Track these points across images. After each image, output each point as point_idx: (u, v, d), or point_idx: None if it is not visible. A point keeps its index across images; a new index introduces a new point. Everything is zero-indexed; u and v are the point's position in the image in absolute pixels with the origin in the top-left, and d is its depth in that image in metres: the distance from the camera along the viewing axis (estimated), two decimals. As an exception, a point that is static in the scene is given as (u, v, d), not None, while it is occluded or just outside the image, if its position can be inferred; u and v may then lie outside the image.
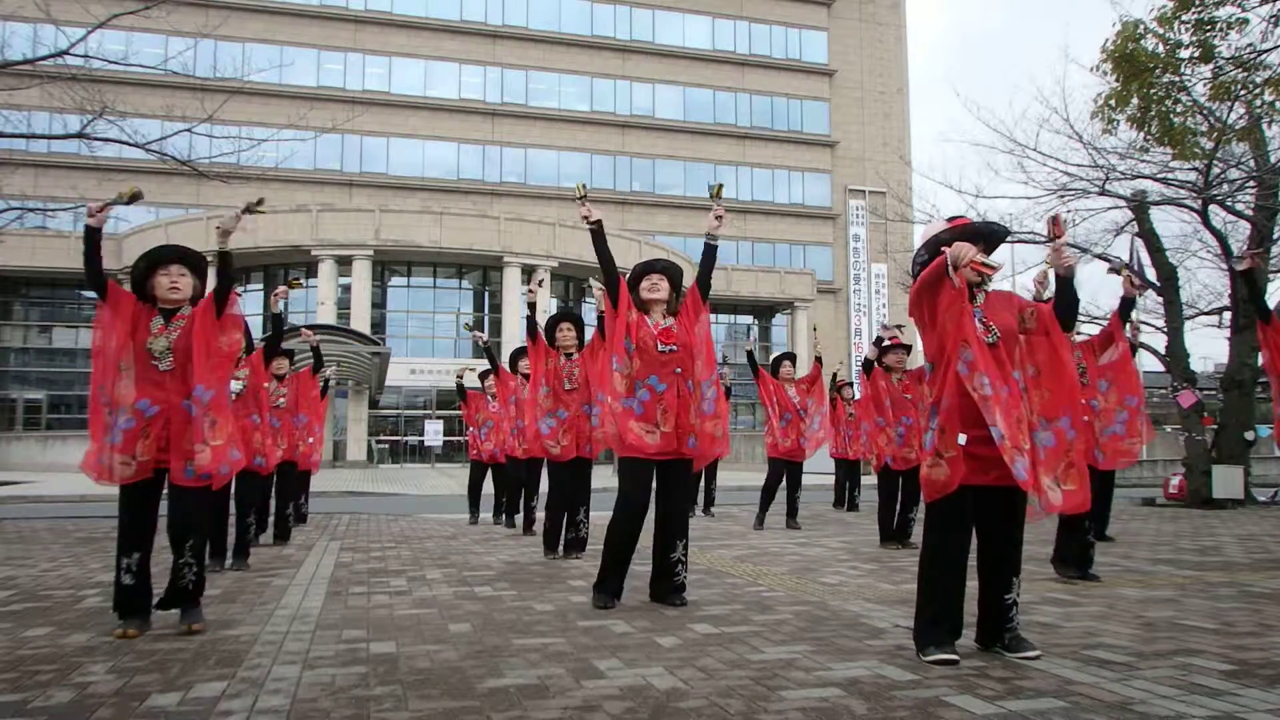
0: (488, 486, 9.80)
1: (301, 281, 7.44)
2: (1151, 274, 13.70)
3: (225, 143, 10.83)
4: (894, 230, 23.08)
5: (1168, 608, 4.42)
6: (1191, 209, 13.48)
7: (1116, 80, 11.47)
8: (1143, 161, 12.63)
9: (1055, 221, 3.56)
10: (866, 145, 47.82)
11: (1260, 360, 10.48)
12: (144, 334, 3.92)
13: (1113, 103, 11.69)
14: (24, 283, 36.24)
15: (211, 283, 4.09)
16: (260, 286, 34.84)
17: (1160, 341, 14.00)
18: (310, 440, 8.46)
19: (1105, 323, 5.96)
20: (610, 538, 4.55)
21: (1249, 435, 13.14)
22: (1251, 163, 12.42)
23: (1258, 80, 10.56)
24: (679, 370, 4.53)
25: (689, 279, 4.77)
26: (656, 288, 4.64)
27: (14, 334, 37.64)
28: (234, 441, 4.04)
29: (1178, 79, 11.37)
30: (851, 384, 12.51)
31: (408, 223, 33.26)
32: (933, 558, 3.41)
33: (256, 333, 6.51)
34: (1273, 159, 12.26)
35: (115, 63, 10.10)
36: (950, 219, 3.72)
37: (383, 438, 34.92)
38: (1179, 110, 11.73)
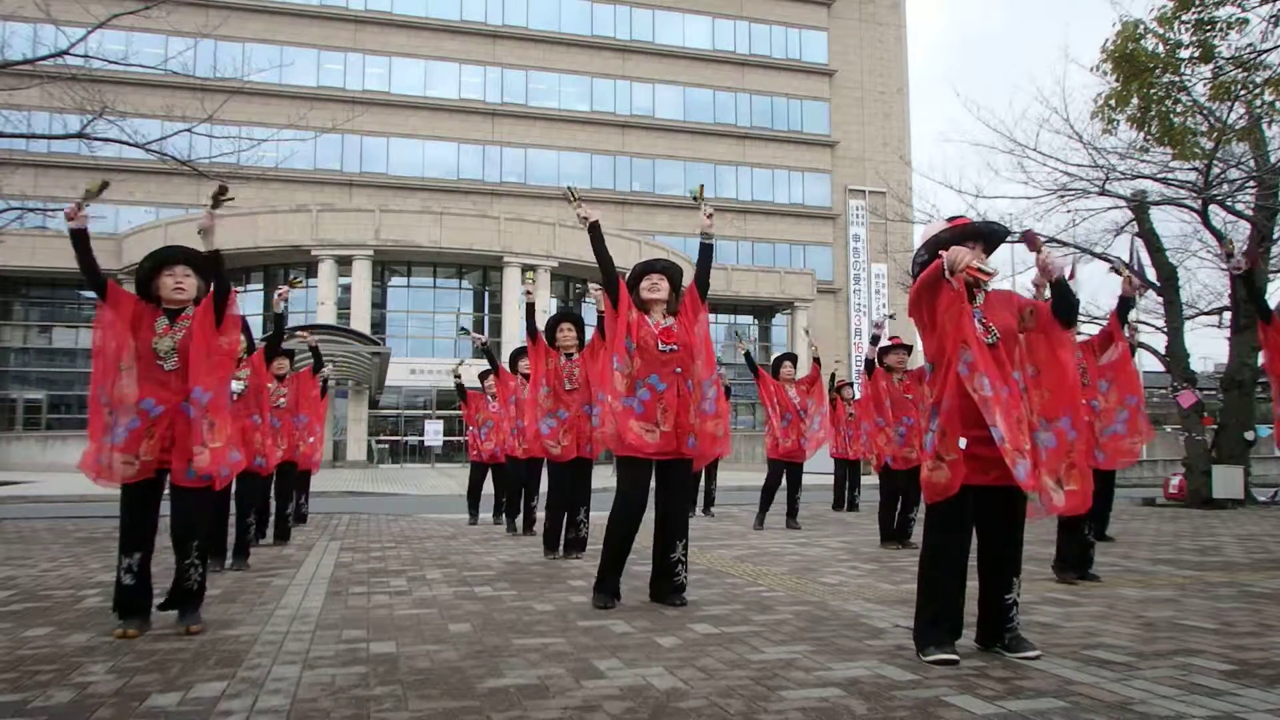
0: (487, 487, 9.80)
1: (303, 281, 7.46)
2: (1151, 274, 13.70)
3: (225, 143, 10.82)
4: (894, 230, 23.09)
5: (1168, 608, 4.42)
6: (1191, 209, 13.48)
7: (1116, 80, 11.47)
8: (1143, 161, 12.64)
9: (1030, 240, 3.59)
10: (866, 145, 47.81)
11: (1260, 360, 10.51)
12: (149, 334, 3.92)
13: (1113, 103, 11.70)
14: (24, 283, 36.22)
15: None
16: (260, 286, 34.84)
17: (1160, 341, 14.02)
18: (311, 440, 8.47)
19: (1105, 323, 5.96)
20: (608, 537, 4.55)
21: (1249, 435, 13.14)
22: (1251, 163, 12.42)
23: (1258, 80, 10.56)
24: (679, 370, 4.53)
25: (688, 279, 4.78)
26: (656, 287, 4.64)
27: (14, 334, 37.63)
28: (233, 443, 4.04)
29: (1178, 79, 11.38)
30: (851, 384, 12.51)
31: (408, 223, 33.26)
32: (933, 558, 3.41)
33: (257, 332, 6.52)
34: (1273, 159, 12.26)
35: (115, 63, 10.09)
36: (950, 219, 3.72)
37: (383, 438, 34.91)
38: (1179, 110, 11.73)
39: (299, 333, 8.38)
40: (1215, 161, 12.41)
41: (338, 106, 35.62)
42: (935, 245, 3.49)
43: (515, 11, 42.82)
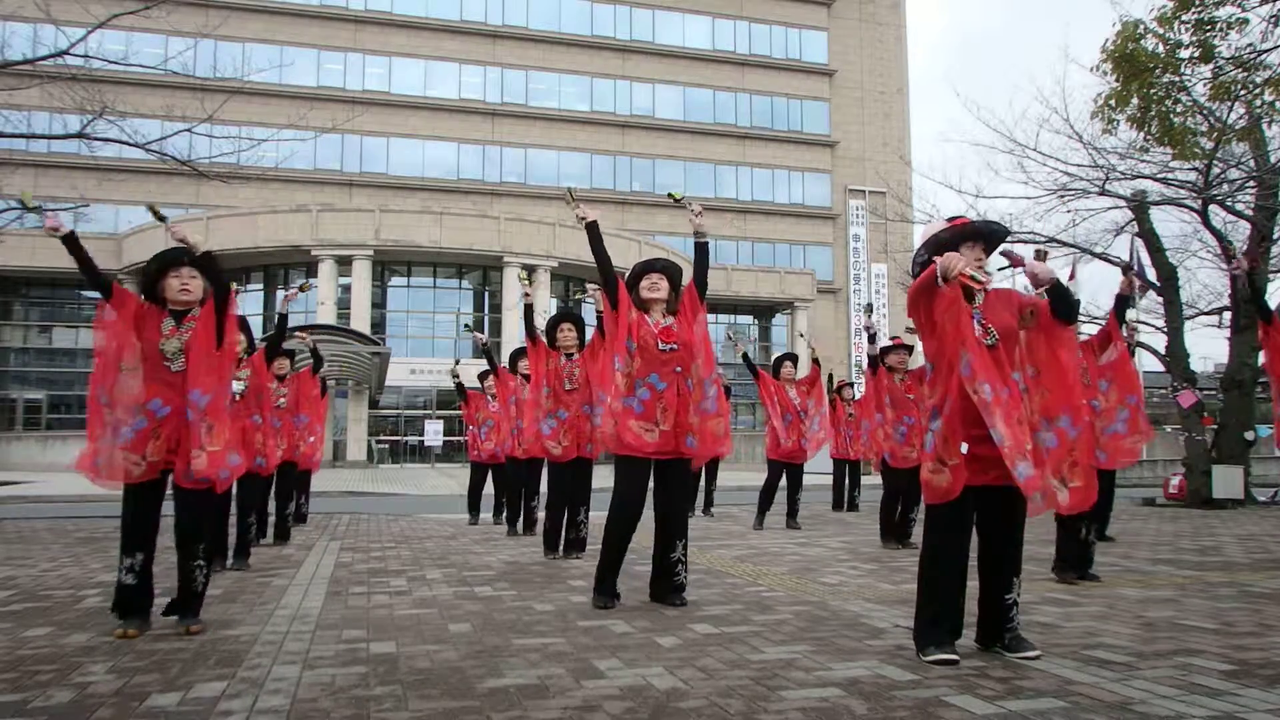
0: (488, 487, 9.80)
1: (312, 285, 7.51)
2: (1151, 274, 13.70)
3: (225, 143, 10.83)
4: (894, 230, 23.07)
5: (1168, 608, 4.42)
6: (1191, 209, 13.49)
7: (1116, 80, 11.48)
8: (1143, 161, 12.65)
9: (1010, 258, 3.64)
10: (866, 145, 47.80)
11: (1260, 360, 10.51)
12: (155, 335, 3.93)
13: (1113, 103, 11.70)
14: (24, 283, 36.22)
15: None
16: (260, 286, 34.87)
17: (1160, 341, 14.02)
18: (311, 440, 8.47)
19: (1105, 323, 5.96)
20: (606, 537, 4.55)
21: (1249, 435, 13.15)
22: (1251, 163, 12.43)
23: (1258, 80, 10.56)
24: (679, 369, 4.53)
25: (687, 278, 4.77)
26: (656, 287, 4.64)
27: (14, 334, 37.63)
28: (232, 446, 4.04)
29: (1178, 79, 11.38)
30: (851, 384, 12.51)
31: (408, 223, 33.26)
32: (933, 558, 3.41)
33: (258, 333, 6.52)
34: (1273, 159, 12.26)
35: (115, 63, 10.09)
36: (950, 219, 3.72)
37: (383, 438, 34.91)
38: (1179, 110, 11.74)
39: (299, 333, 8.38)
40: (1215, 161, 12.42)
41: (338, 106, 35.60)
42: (935, 245, 3.49)
43: (515, 11, 42.81)
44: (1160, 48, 11.17)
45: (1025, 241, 13.52)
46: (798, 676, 3.05)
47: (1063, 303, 3.49)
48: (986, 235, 3.57)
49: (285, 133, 12.49)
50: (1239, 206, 13.25)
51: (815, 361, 9.12)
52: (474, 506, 9.88)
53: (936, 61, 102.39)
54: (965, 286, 3.34)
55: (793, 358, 9.06)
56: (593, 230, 4.68)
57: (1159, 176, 12.73)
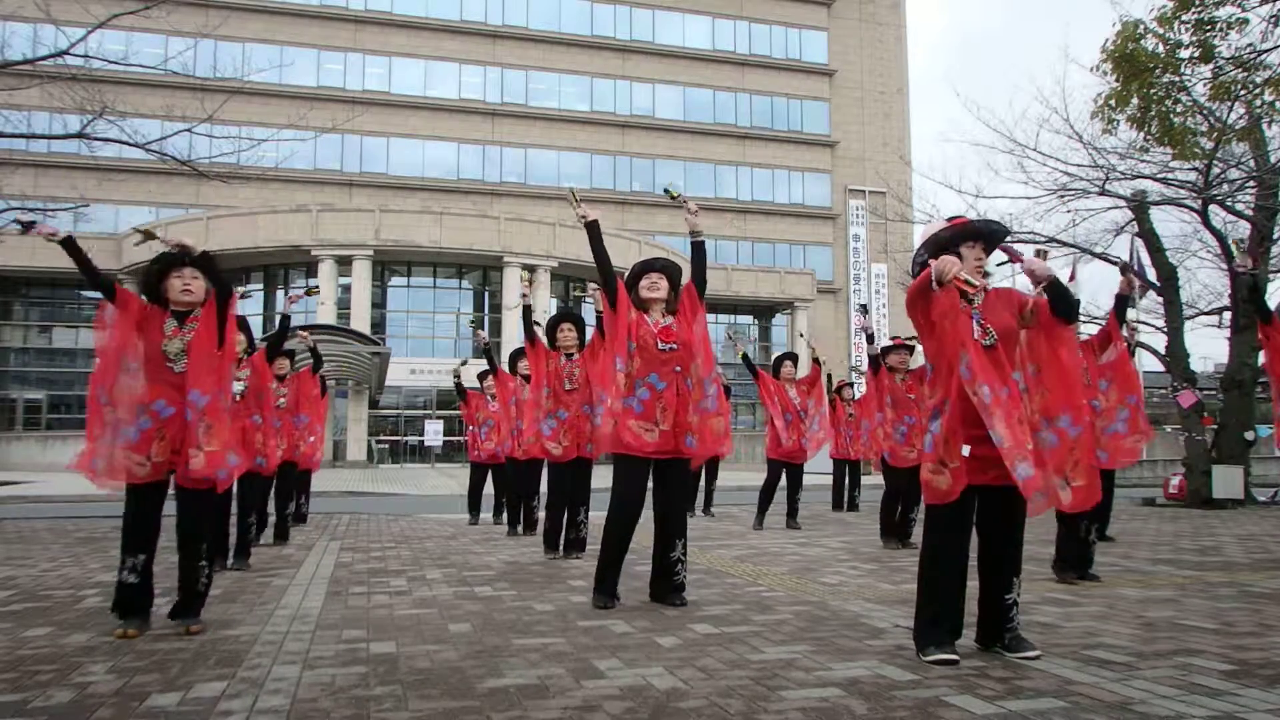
0: (488, 487, 9.80)
1: (320, 289, 7.52)
2: (1151, 274, 13.70)
3: (225, 143, 10.83)
4: (894, 230, 23.05)
5: (1168, 608, 4.42)
6: (1191, 209, 13.49)
7: (1116, 80, 11.48)
8: (1143, 161, 12.65)
9: (1009, 253, 3.71)
10: (866, 145, 47.81)
11: (1260, 360, 10.51)
12: (158, 336, 3.94)
13: (1113, 103, 11.71)
14: (24, 283, 36.23)
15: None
16: (260, 286, 34.88)
17: (1160, 341, 14.02)
18: (311, 440, 8.47)
19: (1104, 323, 5.96)
20: (605, 537, 4.55)
21: (1249, 435, 13.14)
22: (1251, 163, 12.43)
23: (1258, 80, 10.57)
24: (679, 368, 4.53)
25: (687, 277, 4.77)
26: (656, 286, 4.64)
27: (14, 334, 37.65)
28: (232, 446, 4.04)
29: (1178, 79, 11.39)
30: (851, 384, 12.50)
31: (408, 223, 33.26)
32: (933, 558, 3.41)
33: (258, 333, 6.52)
34: (1273, 159, 12.26)
35: (115, 63, 10.09)
36: (950, 218, 3.72)
37: (383, 438, 34.91)
38: (1179, 110, 11.74)
39: (299, 333, 8.38)
40: (1215, 161, 12.42)
41: (338, 106, 35.61)
42: (935, 245, 3.49)
43: (515, 11, 42.82)
44: (1160, 48, 11.18)
45: (1025, 241, 13.52)
46: (798, 676, 3.05)
47: (1062, 301, 3.48)
48: (986, 235, 3.57)
49: (285, 133, 12.49)
50: (1239, 206, 13.26)
51: (816, 361, 9.11)
52: (474, 507, 9.88)
53: (936, 61, 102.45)
54: (961, 290, 3.34)
55: (793, 357, 9.05)
56: (593, 230, 4.68)
57: (1159, 176, 12.74)
